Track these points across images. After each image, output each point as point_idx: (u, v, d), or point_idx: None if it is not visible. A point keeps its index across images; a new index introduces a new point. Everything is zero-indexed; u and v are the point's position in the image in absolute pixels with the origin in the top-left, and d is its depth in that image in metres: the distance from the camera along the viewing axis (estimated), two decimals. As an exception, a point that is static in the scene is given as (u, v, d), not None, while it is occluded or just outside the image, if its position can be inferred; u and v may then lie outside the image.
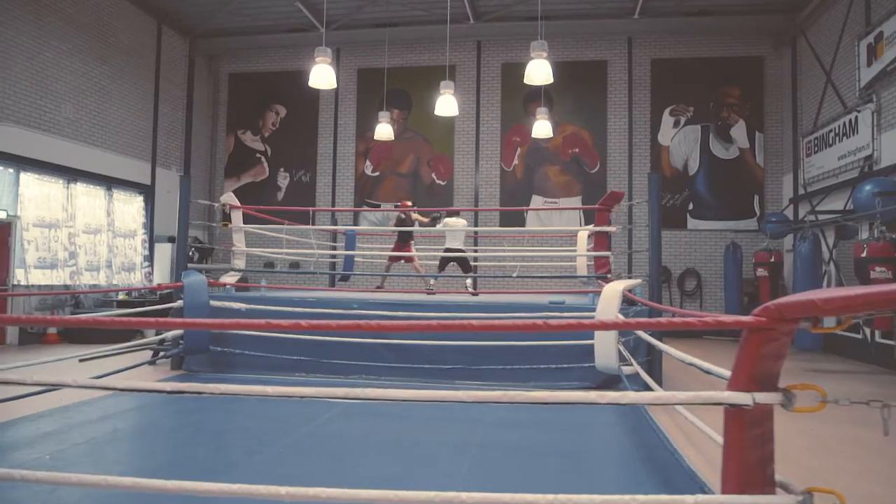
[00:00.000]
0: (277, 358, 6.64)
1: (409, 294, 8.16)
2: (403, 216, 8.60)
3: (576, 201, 13.00)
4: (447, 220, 8.15)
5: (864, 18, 9.23)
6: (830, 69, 10.31)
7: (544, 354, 6.28)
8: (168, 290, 10.02)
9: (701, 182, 12.71)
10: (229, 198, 7.61)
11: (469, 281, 7.66)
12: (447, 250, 8.04)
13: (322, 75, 8.04)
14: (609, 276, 6.94)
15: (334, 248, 11.57)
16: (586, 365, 6.10)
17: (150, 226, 12.37)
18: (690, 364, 2.84)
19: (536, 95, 13.04)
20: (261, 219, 8.92)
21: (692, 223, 12.64)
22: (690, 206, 12.70)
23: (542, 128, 10.79)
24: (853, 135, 9.38)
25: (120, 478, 2.19)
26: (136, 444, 4.01)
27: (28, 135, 9.48)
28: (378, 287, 8.83)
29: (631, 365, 6.02)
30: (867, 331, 8.44)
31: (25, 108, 9.46)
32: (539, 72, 7.63)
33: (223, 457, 3.74)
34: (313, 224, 12.64)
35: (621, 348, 5.79)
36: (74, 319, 2.46)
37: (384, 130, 11.23)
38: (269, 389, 2.05)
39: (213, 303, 6.72)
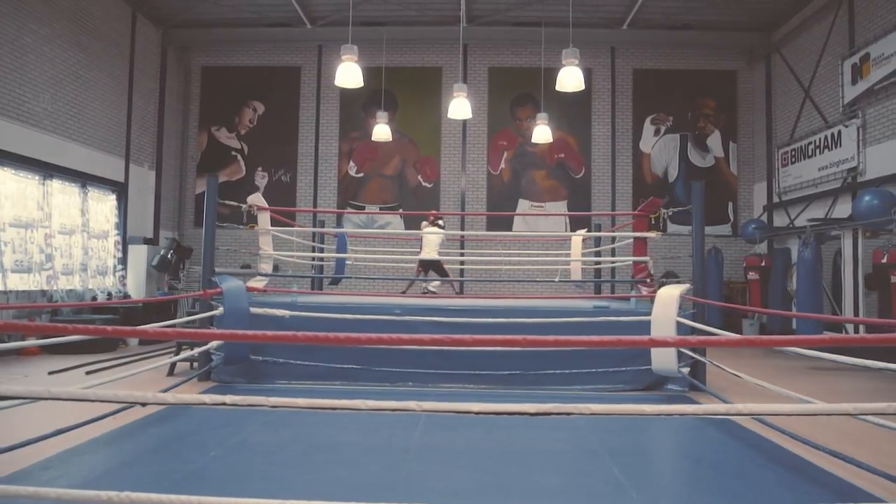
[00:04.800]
0: (321, 367, 6.38)
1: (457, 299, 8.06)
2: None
3: (562, 206, 13.24)
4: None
5: (847, 40, 9.93)
6: (809, 85, 11.02)
7: (596, 358, 6.34)
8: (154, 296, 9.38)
9: (680, 189, 13.26)
10: (257, 199, 7.24)
11: (436, 284, 8.32)
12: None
13: (348, 74, 7.82)
14: (647, 280, 7.11)
15: (322, 251, 11.24)
16: (641, 368, 6.22)
17: (123, 226, 11.56)
18: (864, 367, 2.95)
19: (523, 100, 13.23)
20: (284, 222, 8.56)
21: (672, 228, 13.13)
22: (670, 212, 13.16)
23: (541, 133, 10.92)
24: (836, 147, 10.06)
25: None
26: (258, 464, 3.73)
27: (7, 126, 8.65)
28: (402, 292, 8.75)
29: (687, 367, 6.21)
30: (860, 328, 9.06)
31: (4, 97, 8.62)
32: (571, 79, 7.74)
33: (366, 474, 3.54)
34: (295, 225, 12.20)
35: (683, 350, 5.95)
36: (114, 330, 2.28)
37: (382, 131, 11.03)
38: (364, 403, 2.12)
39: (254, 310, 6.37)
